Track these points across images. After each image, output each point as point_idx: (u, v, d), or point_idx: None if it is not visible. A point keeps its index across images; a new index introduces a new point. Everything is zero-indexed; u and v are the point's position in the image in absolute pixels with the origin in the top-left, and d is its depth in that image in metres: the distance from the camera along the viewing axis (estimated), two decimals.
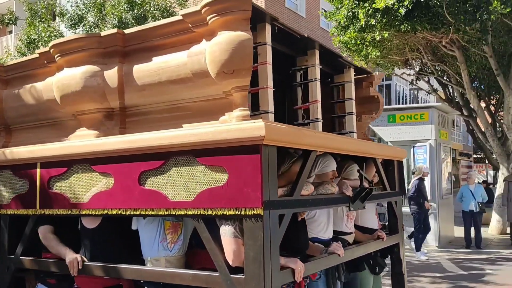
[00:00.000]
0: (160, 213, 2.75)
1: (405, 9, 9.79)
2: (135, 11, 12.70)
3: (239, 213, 2.46)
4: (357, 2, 10.86)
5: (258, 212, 2.40)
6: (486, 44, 11.51)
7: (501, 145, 14.29)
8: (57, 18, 14.11)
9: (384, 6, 9.86)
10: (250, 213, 2.42)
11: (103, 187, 3.00)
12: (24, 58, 3.90)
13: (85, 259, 3.11)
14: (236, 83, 2.74)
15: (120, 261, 3.10)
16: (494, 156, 15.67)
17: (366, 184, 3.36)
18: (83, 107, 3.35)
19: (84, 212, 3.07)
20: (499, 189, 14.03)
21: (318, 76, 3.63)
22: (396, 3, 9.81)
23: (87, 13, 13.23)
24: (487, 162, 27.14)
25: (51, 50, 3.43)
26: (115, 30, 3.18)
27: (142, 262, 3.09)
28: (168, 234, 2.99)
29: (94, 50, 3.27)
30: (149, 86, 3.11)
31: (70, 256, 3.10)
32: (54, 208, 3.23)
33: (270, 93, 3.03)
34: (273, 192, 2.49)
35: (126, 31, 3.21)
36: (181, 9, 13.24)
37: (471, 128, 18.26)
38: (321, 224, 3.46)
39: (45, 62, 3.57)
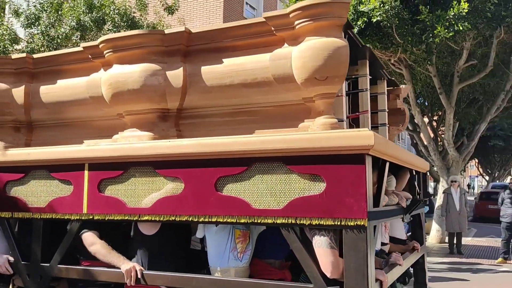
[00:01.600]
0: (242, 220, 2.64)
1: (358, 28, 10.24)
2: (94, 13, 12.43)
3: (338, 223, 2.41)
4: None
5: (362, 223, 2.36)
6: (430, 64, 12.41)
7: (442, 159, 15.09)
8: (7, 16, 13.49)
9: None
10: (352, 223, 2.38)
11: (169, 192, 2.85)
12: (59, 51, 3.65)
13: (142, 268, 2.94)
14: (324, 90, 2.69)
15: (178, 269, 2.97)
16: (435, 169, 16.47)
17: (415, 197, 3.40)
18: (137, 106, 3.18)
19: (145, 218, 2.90)
20: (439, 200, 14.73)
21: (368, 86, 3.64)
22: (350, 22, 10.13)
23: (43, 12, 12.80)
24: (428, 174, 28.39)
25: (101, 45, 3.23)
26: (182, 28, 3.04)
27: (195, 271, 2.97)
28: (238, 243, 2.89)
29: (155, 48, 3.11)
30: (217, 88, 2.99)
31: (126, 264, 2.92)
32: (106, 212, 3.03)
33: (344, 101, 3.00)
34: (371, 203, 2.46)
35: (193, 30, 3.07)
36: (141, 14, 13.08)
37: (415, 142, 19.14)
38: (377, 235, 3.45)
39: (89, 56, 3.35)
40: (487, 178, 35.55)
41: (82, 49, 3.36)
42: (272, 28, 2.80)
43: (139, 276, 2.87)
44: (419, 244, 4.04)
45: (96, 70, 3.38)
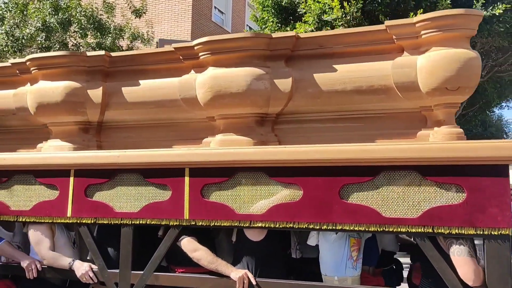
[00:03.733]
0: (372, 229, 2.64)
1: None
2: (59, 15, 12.11)
3: (481, 232, 2.45)
4: (279, 25, 11.25)
5: (507, 233, 2.41)
6: None
7: None
8: None
9: (304, 32, 10.33)
10: (496, 233, 2.42)
11: (285, 198, 2.80)
12: (142, 51, 3.51)
13: (250, 275, 2.86)
14: (451, 100, 2.73)
15: (283, 276, 2.93)
16: None
17: None
18: (237, 110, 3.11)
19: (258, 225, 2.84)
20: None
21: None
22: (314, 30, 10.34)
23: (7, 12, 12.38)
24: None
25: (196, 47, 3.14)
26: (291, 33, 3.00)
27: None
28: (353, 251, 2.88)
29: (259, 51, 3.05)
30: (326, 94, 2.97)
31: (236, 272, 2.84)
32: (211, 218, 2.94)
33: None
34: None
35: (302, 35, 3.03)
36: (108, 16, 12.84)
37: None
38: None
39: (180, 58, 3.25)
40: None
41: (173, 49, 3.25)
42: (394, 37, 2.81)
43: (253, 283, 2.80)
44: None
45: (186, 72, 3.28)
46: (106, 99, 3.44)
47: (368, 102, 2.93)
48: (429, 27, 2.70)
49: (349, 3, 9.19)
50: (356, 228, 2.66)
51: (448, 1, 9.14)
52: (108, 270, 3.15)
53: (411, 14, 9.46)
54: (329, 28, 10.38)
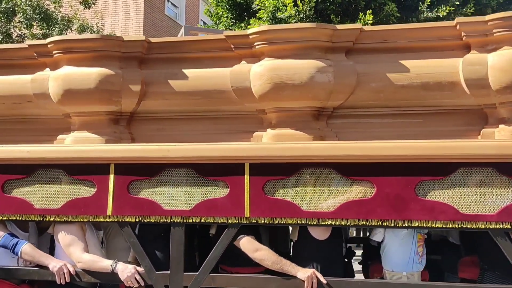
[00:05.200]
0: (449, 226, 2.64)
1: None
2: (3, 4, 11.37)
3: None
4: (234, 21, 11.27)
5: None
6: None
7: None
8: None
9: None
10: None
11: (356, 195, 2.74)
12: (185, 38, 3.29)
13: (319, 274, 2.77)
14: None
15: (343, 275, 2.89)
16: None
17: None
18: (295, 103, 3.01)
19: (328, 222, 2.75)
20: None
21: None
22: None
23: None
24: None
25: (251, 36, 3.00)
26: (357, 25, 2.93)
27: None
28: (419, 247, 2.88)
29: (321, 43, 2.96)
30: (391, 89, 2.94)
31: (304, 271, 2.74)
32: (274, 216, 2.81)
33: None
34: None
35: (366, 28, 2.96)
36: (55, 7, 12.20)
37: None
38: None
39: (232, 47, 3.08)
40: None
41: (223, 37, 3.07)
42: (463, 33, 2.82)
43: (324, 282, 2.72)
44: None
45: (235, 61, 3.12)
46: (144, 88, 3.19)
47: (433, 98, 2.93)
48: (501, 26, 2.73)
49: (302, 2, 9.27)
50: (433, 225, 2.65)
51: (394, 5, 9.49)
52: (157, 272, 2.93)
53: (361, 14, 9.71)
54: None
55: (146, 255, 2.96)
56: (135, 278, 2.91)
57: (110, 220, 2.98)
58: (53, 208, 3.04)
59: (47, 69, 3.31)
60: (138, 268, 2.95)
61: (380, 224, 2.71)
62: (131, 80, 3.16)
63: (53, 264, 2.99)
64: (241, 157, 2.87)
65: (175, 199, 2.94)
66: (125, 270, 2.91)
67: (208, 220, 2.89)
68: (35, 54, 3.29)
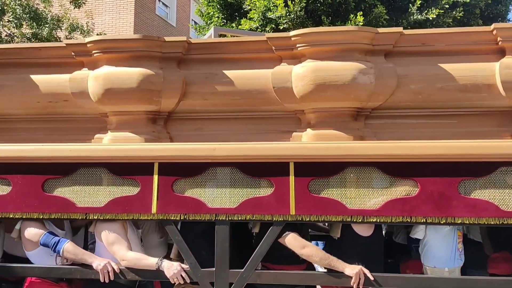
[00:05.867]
0: (492, 222, 2.74)
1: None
2: None
3: None
4: (225, 21, 11.37)
5: None
6: None
7: None
8: None
9: (249, 29, 10.56)
10: None
11: (400, 193, 2.83)
12: (225, 39, 3.34)
13: (366, 270, 2.85)
14: None
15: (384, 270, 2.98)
16: None
17: None
18: (335, 104, 3.09)
19: (373, 219, 2.84)
20: None
21: None
22: (259, 27, 10.62)
23: None
24: None
25: (293, 38, 3.07)
26: (397, 29, 3.03)
27: None
28: (459, 243, 2.98)
29: (362, 46, 3.04)
30: (429, 91, 3.05)
31: (351, 268, 2.82)
32: (319, 213, 2.89)
33: None
34: None
35: (405, 32, 3.06)
36: (45, 6, 12.13)
37: None
38: None
39: (272, 48, 3.14)
40: None
41: (264, 39, 3.14)
42: (499, 39, 2.94)
43: (371, 278, 2.80)
44: None
45: (274, 63, 3.19)
46: (184, 88, 3.23)
47: (469, 100, 3.05)
48: None
49: (293, 2, 9.35)
50: (476, 222, 2.76)
51: (383, 7, 9.67)
52: (202, 269, 2.97)
53: (352, 15, 9.89)
54: (273, 25, 10.49)
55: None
56: (181, 275, 2.94)
57: (155, 218, 3.01)
58: (96, 206, 3.05)
59: (85, 68, 3.32)
60: (183, 265, 2.98)
61: (424, 221, 2.80)
62: (172, 80, 3.19)
63: (97, 262, 3.00)
64: (286, 156, 2.93)
65: (220, 197, 2.99)
66: (171, 268, 2.95)
67: (253, 218, 2.95)
68: (72, 53, 3.30)
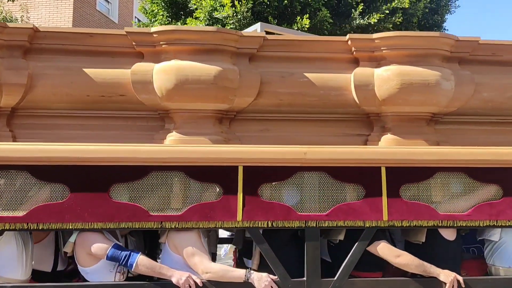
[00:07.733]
0: None
1: None
2: None
3: None
4: (170, 20, 11.21)
5: None
6: None
7: None
8: None
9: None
10: None
11: (486, 197, 2.92)
12: (302, 37, 3.18)
13: (459, 277, 2.87)
14: None
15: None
16: None
17: None
18: (417, 108, 3.11)
19: (462, 224, 2.89)
20: None
21: None
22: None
23: None
24: None
25: (377, 40, 3.04)
26: (476, 38, 3.10)
27: None
28: None
29: (443, 52, 3.08)
30: (499, 99, 3.18)
31: (446, 274, 2.82)
32: (411, 219, 2.86)
33: None
34: None
35: (480, 41, 3.14)
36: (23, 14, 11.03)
37: None
38: None
39: (352, 49, 3.08)
40: None
41: (345, 40, 3.07)
42: None
43: (463, 286, 2.83)
44: None
45: (354, 64, 3.13)
46: (261, 87, 3.04)
47: None
48: None
49: (240, 2, 9.36)
50: None
51: (327, 11, 10.01)
52: (292, 279, 2.81)
53: (298, 18, 10.11)
54: (220, 26, 10.33)
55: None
56: (272, 287, 2.76)
57: (240, 225, 2.79)
58: (173, 214, 2.76)
59: (144, 60, 2.99)
60: (271, 276, 2.80)
61: (510, 224, 2.91)
62: (249, 78, 3.00)
63: (177, 276, 2.71)
64: (378, 161, 2.88)
65: (309, 203, 2.85)
66: (262, 280, 2.75)
67: (344, 224, 2.85)
68: (133, 43, 2.96)
